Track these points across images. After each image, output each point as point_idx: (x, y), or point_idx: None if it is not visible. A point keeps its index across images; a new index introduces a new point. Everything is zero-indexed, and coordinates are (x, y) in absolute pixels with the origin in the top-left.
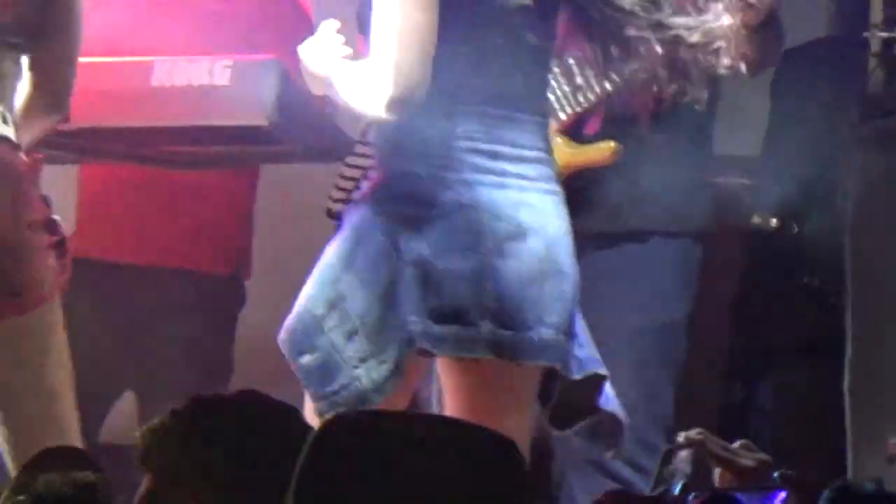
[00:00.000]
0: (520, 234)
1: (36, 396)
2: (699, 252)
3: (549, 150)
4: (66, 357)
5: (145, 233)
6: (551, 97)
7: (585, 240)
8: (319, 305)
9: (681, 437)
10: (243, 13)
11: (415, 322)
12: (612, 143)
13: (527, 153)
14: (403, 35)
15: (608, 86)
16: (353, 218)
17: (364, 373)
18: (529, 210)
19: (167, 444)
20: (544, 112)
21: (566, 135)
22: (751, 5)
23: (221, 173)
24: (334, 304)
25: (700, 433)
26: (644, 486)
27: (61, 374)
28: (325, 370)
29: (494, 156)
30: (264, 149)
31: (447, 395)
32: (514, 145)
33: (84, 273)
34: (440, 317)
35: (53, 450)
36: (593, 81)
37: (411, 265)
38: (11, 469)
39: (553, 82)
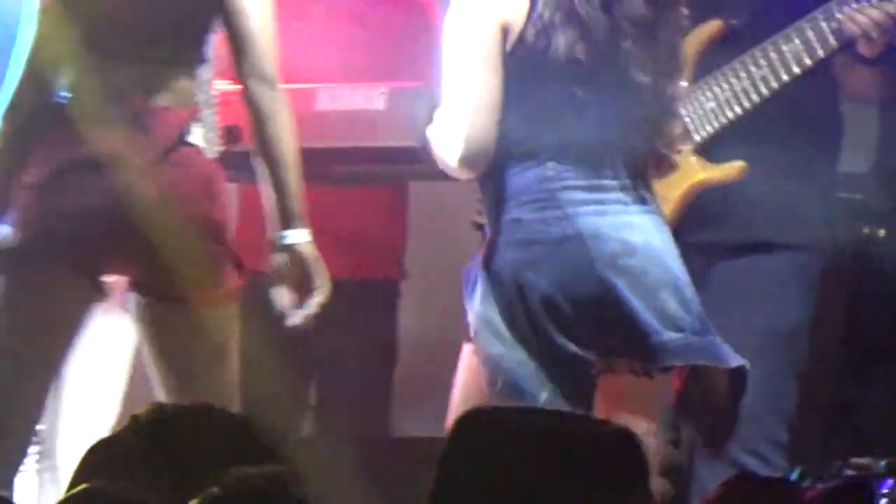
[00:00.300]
0: (627, 251)
1: (206, 391)
2: (818, 262)
3: (635, 175)
4: (236, 364)
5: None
6: (686, 120)
7: (718, 250)
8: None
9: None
10: (395, 43)
11: (564, 347)
12: (739, 163)
13: (616, 182)
14: (473, 97)
15: (738, 109)
16: (494, 267)
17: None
18: (631, 229)
19: (124, 451)
20: (615, 146)
21: (699, 154)
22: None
23: (378, 188)
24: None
25: None
26: (765, 475)
27: (232, 379)
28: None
29: (589, 189)
30: (415, 167)
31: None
32: (603, 178)
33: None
34: (569, 335)
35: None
36: (724, 106)
37: (539, 304)
38: None
39: (687, 106)
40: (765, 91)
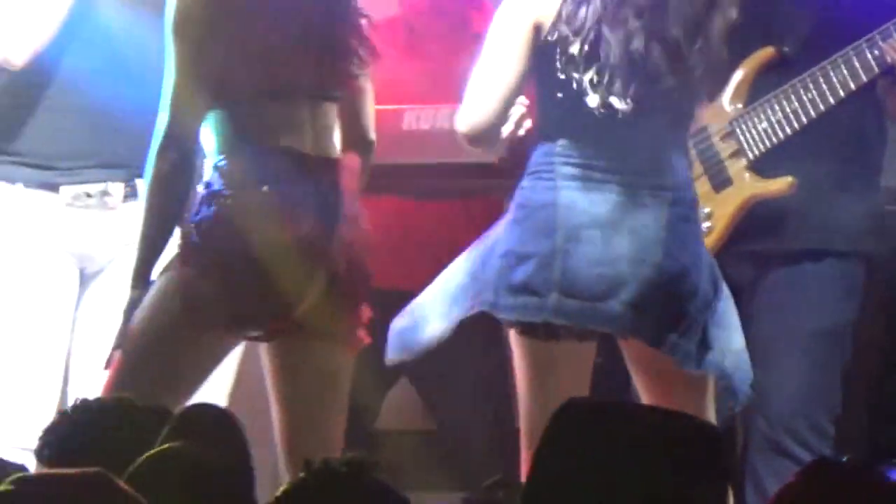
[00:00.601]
0: (595, 224)
1: (319, 433)
2: (862, 268)
3: (665, 164)
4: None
5: (405, 260)
6: (741, 139)
7: (770, 258)
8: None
9: None
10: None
11: (490, 294)
12: (789, 179)
13: (622, 167)
14: (490, 84)
15: (788, 130)
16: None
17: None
18: (609, 207)
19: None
20: (628, 136)
21: (753, 170)
22: None
23: (464, 202)
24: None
25: None
26: None
27: (342, 421)
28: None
29: (587, 167)
30: (495, 182)
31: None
32: (609, 161)
33: None
34: (513, 290)
35: None
36: (776, 126)
37: (502, 258)
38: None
39: (741, 126)
40: (813, 113)
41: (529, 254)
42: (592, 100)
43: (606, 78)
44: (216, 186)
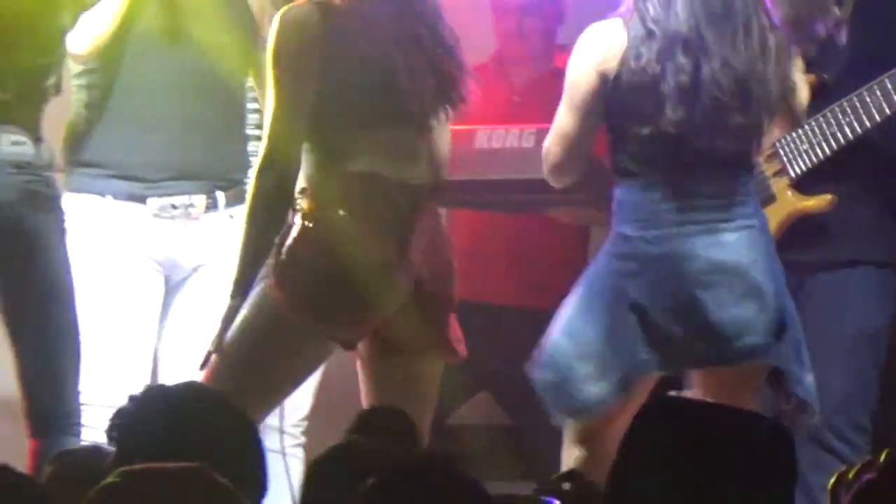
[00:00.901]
0: (715, 269)
1: (425, 408)
2: None
3: (741, 192)
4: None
5: (480, 270)
6: (784, 159)
7: (811, 267)
8: (565, 350)
9: None
10: (545, 89)
11: (642, 352)
12: (829, 196)
13: (718, 202)
14: (560, 132)
15: (827, 150)
16: (590, 271)
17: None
18: (720, 248)
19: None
20: (708, 168)
21: (794, 187)
22: None
23: (529, 215)
24: (576, 345)
25: None
26: (852, 458)
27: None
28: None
29: (688, 209)
30: (563, 196)
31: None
32: (706, 197)
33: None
34: (656, 342)
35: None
36: (816, 147)
37: (632, 311)
38: None
39: (784, 147)
40: (850, 135)
41: (665, 309)
42: (670, 137)
43: (683, 115)
44: (299, 207)
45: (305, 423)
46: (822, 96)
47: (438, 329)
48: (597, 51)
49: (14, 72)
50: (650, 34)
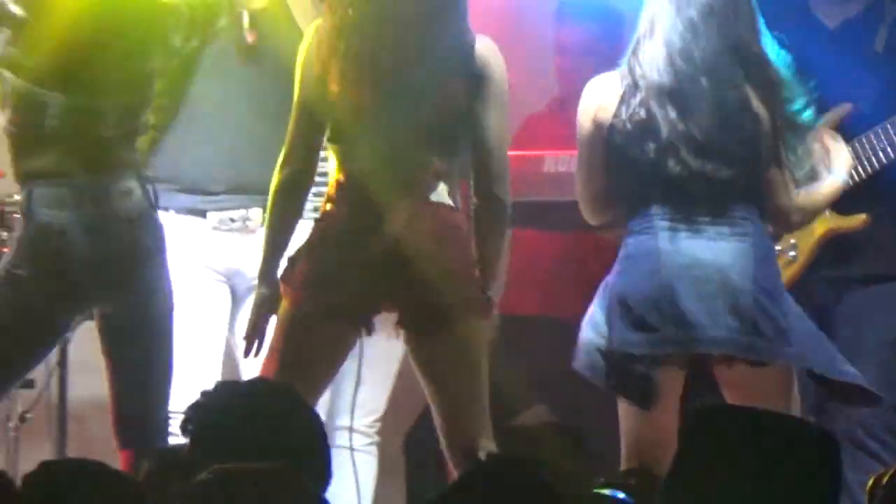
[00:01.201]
0: (694, 264)
1: (466, 404)
2: None
3: (739, 216)
4: (486, 378)
5: (549, 287)
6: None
7: (848, 281)
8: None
9: None
10: None
11: (629, 336)
12: (864, 216)
13: (710, 218)
14: (579, 194)
15: (862, 173)
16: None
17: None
18: (706, 250)
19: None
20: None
21: (832, 208)
22: None
23: (594, 235)
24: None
25: None
26: (888, 458)
27: (484, 391)
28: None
29: (684, 222)
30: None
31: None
32: (699, 215)
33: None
34: (634, 326)
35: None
36: (853, 170)
37: (616, 303)
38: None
39: (823, 172)
40: (884, 160)
41: (642, 295)
42: (664, 167)
43: (670, 149)
44: (313, 210)
45: (379, 423)
46: (858, 123)
47: (455, 295)
48: (593, 101)
49: (115, 110)
50: (636, 86)
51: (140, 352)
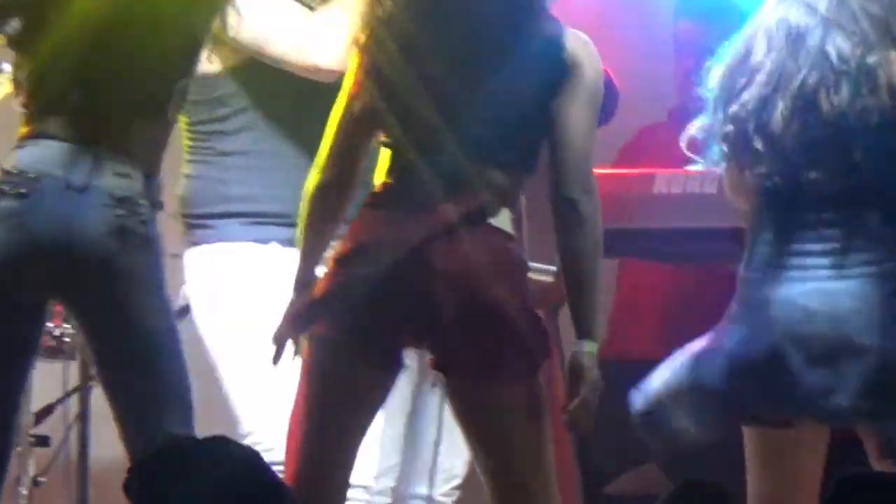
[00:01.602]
0: (807, 319)
1: (525, 449)
2: None
3: (862, 234)
4: (549, 435)
5: (671, 331)
6: None
7: None
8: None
9: None
10: None
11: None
12: None
13: (820, 247)
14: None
15: None
16: None
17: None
18: (820, 296)
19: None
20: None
21: None
22: None
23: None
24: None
25: None
26: None
27: (547, 459)
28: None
29: (795, 254)
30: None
31: None
32: (808, 242)
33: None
34: (744, 394)
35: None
36: None
37: (725, 360)
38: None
39: None
40: None
41: (749, 358)
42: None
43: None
44: (350, 219)
45: (458, 492)
46: None
47: (497, 345)
48: None
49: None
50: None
51: (134, 382)
